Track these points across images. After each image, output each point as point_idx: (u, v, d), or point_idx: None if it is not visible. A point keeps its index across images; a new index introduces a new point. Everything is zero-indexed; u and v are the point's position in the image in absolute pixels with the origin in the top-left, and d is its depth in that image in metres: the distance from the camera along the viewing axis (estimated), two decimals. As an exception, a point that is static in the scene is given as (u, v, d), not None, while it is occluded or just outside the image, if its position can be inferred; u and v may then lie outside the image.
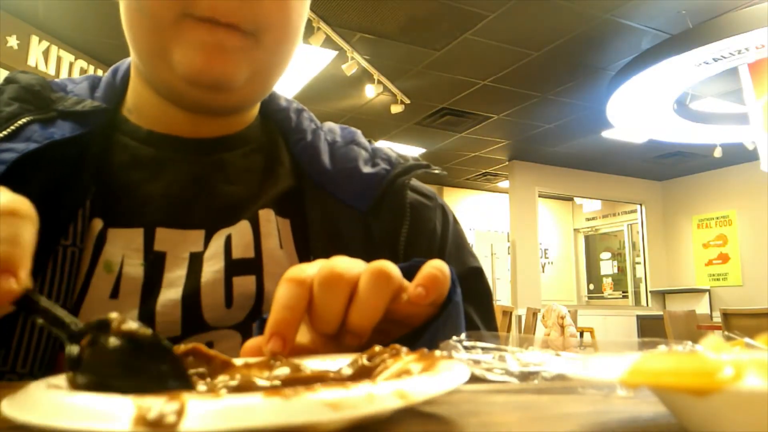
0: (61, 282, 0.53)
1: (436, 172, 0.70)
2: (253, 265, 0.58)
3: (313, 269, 0.39)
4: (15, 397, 0.23)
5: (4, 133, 0.55)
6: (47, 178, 0.55)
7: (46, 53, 4.55)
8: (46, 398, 0.21)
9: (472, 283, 0.68)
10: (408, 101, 5.75)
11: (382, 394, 0.22)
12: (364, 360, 0.32)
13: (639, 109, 5.33)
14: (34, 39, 4.48)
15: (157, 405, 0.19)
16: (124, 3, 0.57)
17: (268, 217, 0.62)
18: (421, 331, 0.44)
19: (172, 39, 0.54)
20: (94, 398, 0.20)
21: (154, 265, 0.56)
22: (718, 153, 6.50)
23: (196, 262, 0.57)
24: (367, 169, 0.65)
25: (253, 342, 0.39)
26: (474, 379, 0.37)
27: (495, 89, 5.70)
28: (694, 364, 0.21)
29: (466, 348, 0.37)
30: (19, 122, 0.56)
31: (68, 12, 4.25)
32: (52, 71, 4.57)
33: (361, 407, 0.21)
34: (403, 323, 0.43)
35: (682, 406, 0.24)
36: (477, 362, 0.36)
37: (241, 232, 0.60)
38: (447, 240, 0.70)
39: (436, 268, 0.40)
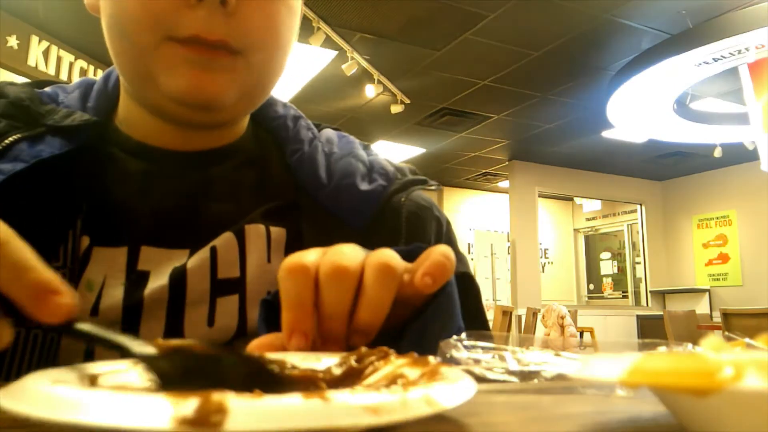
0: None
1: (432, 188, 0.70)
2: (237, 285, 0.58)
3: (313, 257, 0.38)
4: (23, 392, 0.22)
5: None
6: (36, 198, 0.54)
7: (46, 53, 4.55)
8: (72, 395, 0.21)
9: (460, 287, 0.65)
10: (408, 101, 5.75)
11: (414, 399, 0.22)
12: (352, 361, 0.32)
13: (639, 109, 5.33)
14: (34, 39, 4.48)
15: (193, 403, 0.19)
16: (106, 26, 0.56)
17: (256, 231, 0.60)
18: (409, 322, 0.42)
19: (156, 63, 0.53)
20: (126, 395, 0.20)
21: (137, 284, 0.55)
22: (718, 153, 6.50)
23: (178, 276, 0.56)
24: (364, 186, 0.64)
25: (266, 339, 0.38)
26: (474, 378, 0.37)
27: (495, 89, 5.70)
28: (694, 364, 0.21)
29: (466, 347, 0.37)
30: (7, 141, 0.55)
31: (68, 12, 4.25)
32: (52, 71, 4.57)
33: (397, 412, 0.21)
34: (400, 304, 0.42)
35: (682, 406, 0.24)
36: (477, 361, 0.36)
37: (226, 246, 0.58)
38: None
39: (443, 255, 0.39)
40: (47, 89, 0.66)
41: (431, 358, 0.30)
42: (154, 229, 0.58)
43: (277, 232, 0.62)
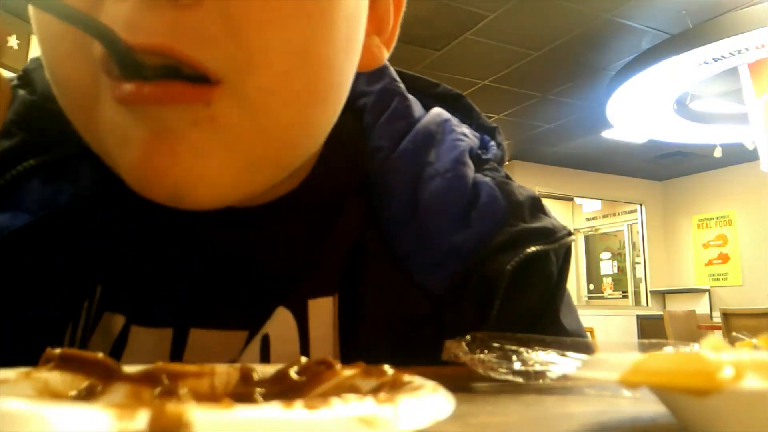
0: None
1: (553, 246, 0.46)
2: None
3: None
4: None
5: None
6: (42, 256, 0.37)
7: (46, 53, 4.55)
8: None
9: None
10: (408, 101, 5.76)
11: (407, 411, 0.19)
12: (292, 373, 0.27)
13: (639, 109, 5.33)
14: (34, 39, 4.47)
15: (145, 416, 0.15)
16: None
17: (322, 308, 0.43)
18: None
19: (100, 126, 0.31)
20: (54, 407, 0.15)
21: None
22: (718, 153, 6.49)
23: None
24: (455, 236, 0.43)
25: None
26: (478, 378, 0.37)
27: (495, 89, 5.70)
28: (694, 364, 0.21)
29: (471, 347, 0.37)
30: (14, 171, 0.36)
31: (68, 12, 4.25)
32: (52, 71, 4.58)
33: (393, 425, 0.17)
34: None
35: (682, 406, 0.24)
36: (482, 361, 0.36)
37: (281, 332, 0.41)
38: (548, 308, 0.48)
39: None
40: None
41: (386, 368, 0.25)
42: (204, 304, 0.42)
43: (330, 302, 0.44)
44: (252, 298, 0.43)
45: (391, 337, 0.42)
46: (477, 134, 0.52)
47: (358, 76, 0.43)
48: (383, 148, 0.45)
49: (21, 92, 0.40)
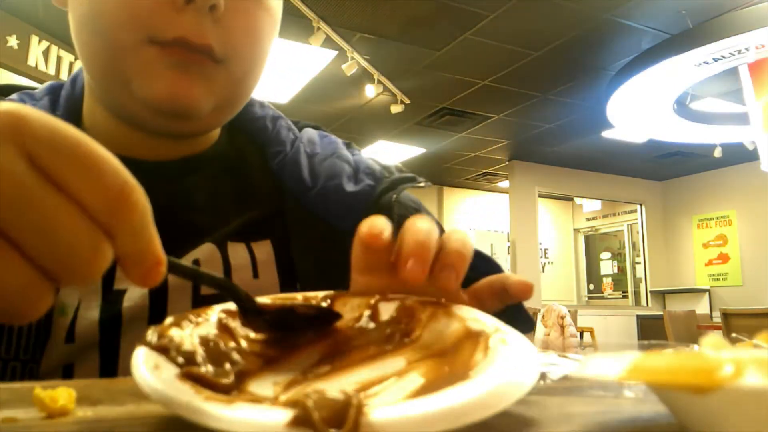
0: (30, 328, 0.49)
1: (421, 185, 0.67)
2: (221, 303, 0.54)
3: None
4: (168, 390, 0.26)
5: None
6: None
7: (46, 53, 4.55)
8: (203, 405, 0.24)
9: None
10: (408, 101, 5.74)
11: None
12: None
13: (639, 109, 5.33)
14: (34, 39, 4.48)
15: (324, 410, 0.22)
16: (77, 23, 0.52)
17: (237, 249, 0.58)
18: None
19: (132, 65, 0.50)
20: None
21: (114, 304, 0.51)
22: (718, 153, 6.49)
23: (159, 296, 0.52)
24: (351, 187, 0.62)
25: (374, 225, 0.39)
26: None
27: (495, 89, 5.70)
28: (693, 362, 0.21)
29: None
30: None
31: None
32: (52, 71, 4.57)
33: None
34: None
35: (682, 405, 0.24)
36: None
37: (209, 259, 0.55)
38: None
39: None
40: (14, 96, 0.61)
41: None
42: None
43: (262, 246, 0.60)
44: (173, 237, 0.55)
45: (322, 268, 0.58)
46: None
47: (250, 105, 0.68)
48: (281, 151, 0.65)
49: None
